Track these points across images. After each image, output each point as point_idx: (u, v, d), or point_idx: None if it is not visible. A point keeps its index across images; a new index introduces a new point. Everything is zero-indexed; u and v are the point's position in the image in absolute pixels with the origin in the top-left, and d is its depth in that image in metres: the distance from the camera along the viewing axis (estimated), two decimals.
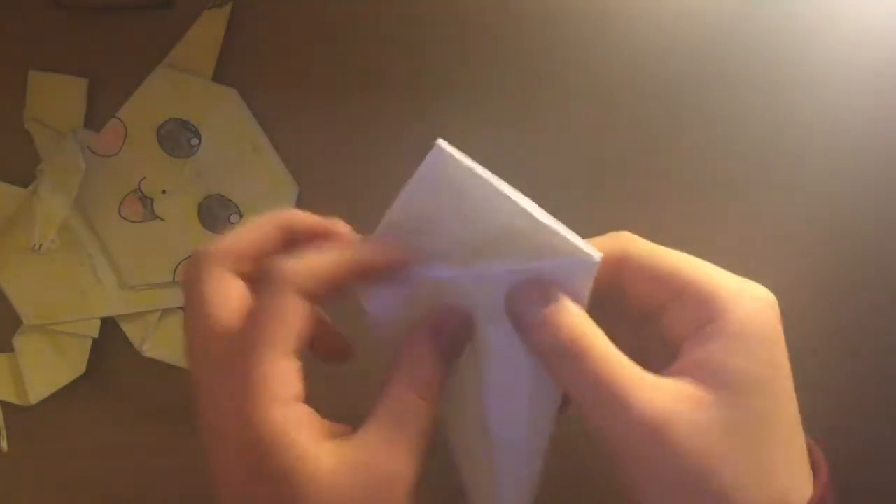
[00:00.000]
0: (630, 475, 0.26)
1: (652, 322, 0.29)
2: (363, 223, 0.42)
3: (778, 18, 0.42)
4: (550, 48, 0.42)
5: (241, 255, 0.27)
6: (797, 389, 0.27)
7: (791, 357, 0.27)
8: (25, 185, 0.43)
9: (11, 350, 0.43)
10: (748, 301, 0.27)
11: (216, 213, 0.42)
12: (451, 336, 0.28)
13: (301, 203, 0.42)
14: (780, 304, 0.27)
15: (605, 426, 0.26)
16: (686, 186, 0.42)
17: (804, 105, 0.41)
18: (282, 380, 0.25)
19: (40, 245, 0.42)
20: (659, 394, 0.25)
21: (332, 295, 0.27)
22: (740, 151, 0.42)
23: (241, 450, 0.25)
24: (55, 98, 0.43)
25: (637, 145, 0.42)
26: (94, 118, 0.43)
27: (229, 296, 0.27)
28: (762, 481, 0.25)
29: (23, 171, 0.43)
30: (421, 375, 0.27)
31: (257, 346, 0.26)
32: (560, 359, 0.26)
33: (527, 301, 0.27)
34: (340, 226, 0.30)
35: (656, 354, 0.27)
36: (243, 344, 0.26)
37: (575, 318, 0.27)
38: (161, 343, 0.42)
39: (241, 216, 0.42)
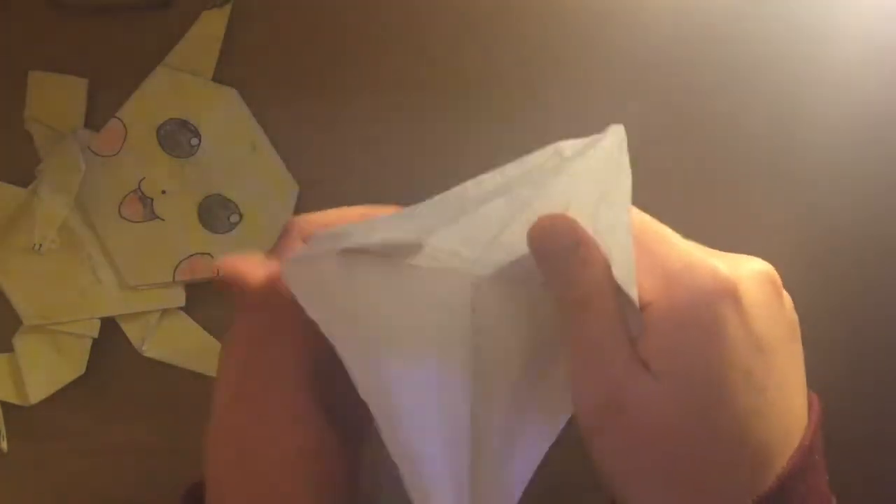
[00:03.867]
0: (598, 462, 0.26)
1: None
2: None
3: (780, 16, 0.42)
4: (551, 48, 0.42)
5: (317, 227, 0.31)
6: None
7: None
8: (25, 185, 0.43)
9: (11, 350, 0.43)
10: (681, 288, 0.26)
11: (216, 213, 0.42)
12: None
13: (301, 203, 0.43)
14: None
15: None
16: (686, 184, 0.42)
17: (806, 103, 0.41)
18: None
19: (40, 245, 0.42)
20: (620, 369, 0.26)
21: None
22: (740, 150, 0.42)
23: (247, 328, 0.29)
24: (55, 98, 0.43)
25: (637, 146, 0.42)
26: (94, 118, 0.43)
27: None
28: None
29: (23, 171, 0.43)
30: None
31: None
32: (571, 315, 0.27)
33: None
34: None
35: None
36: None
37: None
38: (161, 343, 0.42)
39: (240, 216, 0.42)
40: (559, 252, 0.27)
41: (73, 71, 0.43)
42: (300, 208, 0.43)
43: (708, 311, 0.25)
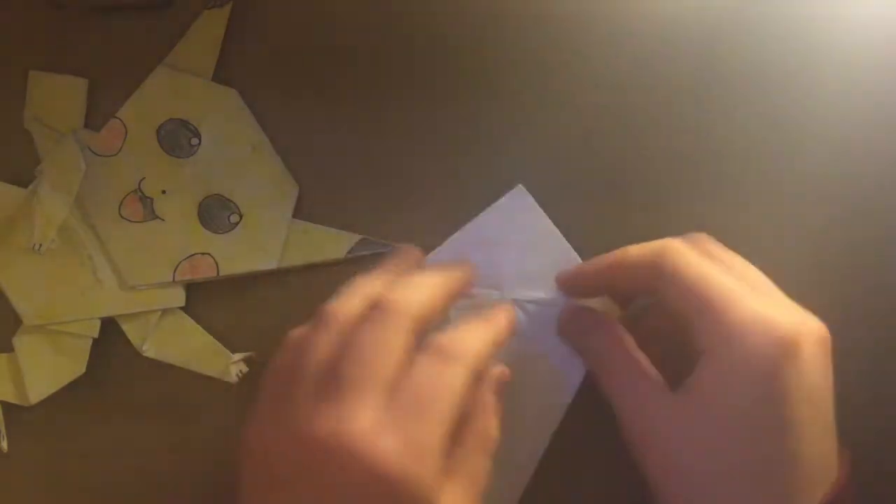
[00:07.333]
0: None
1: (685, 326, 0.32)
2: (363, 223, 0.43)
3: (780, 17, 0.42)
4: (552, 49, 0.42)
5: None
6: None
7: None
8: (25, 185, 0.43)
9: (11, 350, 0.43)
10: (756, 334, 0.29)
11: (216, 213, 0.42)
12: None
13: (301, 203, 0.43)
14: None
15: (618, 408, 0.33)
16: (686, 186, 0.42)
17: (805, 105, 0.41)
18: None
19: (40, 245, 0.42)
20: (664, 409, 0.31)
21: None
22: (738, 153, 0.42)
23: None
24: (55, 98, 0.43)
25: (638, 147, 0.42)
26: (94, 118, 0.43)
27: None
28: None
29: (23, 171, 0.43)
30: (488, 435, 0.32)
31: (356, 383, 0.27)
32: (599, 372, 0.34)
33: (574, 330, 0.36)
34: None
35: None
36: (338, 375, 0.28)
37: (604, 342, 0.34)
38: (161, 343, 0.42)
39: (240, 216, 0.42)
40: (582, 334, 0.36)
41: (73, 71, 0.43)
42: (300, 208, 0.43)
43: (781, 361, 0.28)
